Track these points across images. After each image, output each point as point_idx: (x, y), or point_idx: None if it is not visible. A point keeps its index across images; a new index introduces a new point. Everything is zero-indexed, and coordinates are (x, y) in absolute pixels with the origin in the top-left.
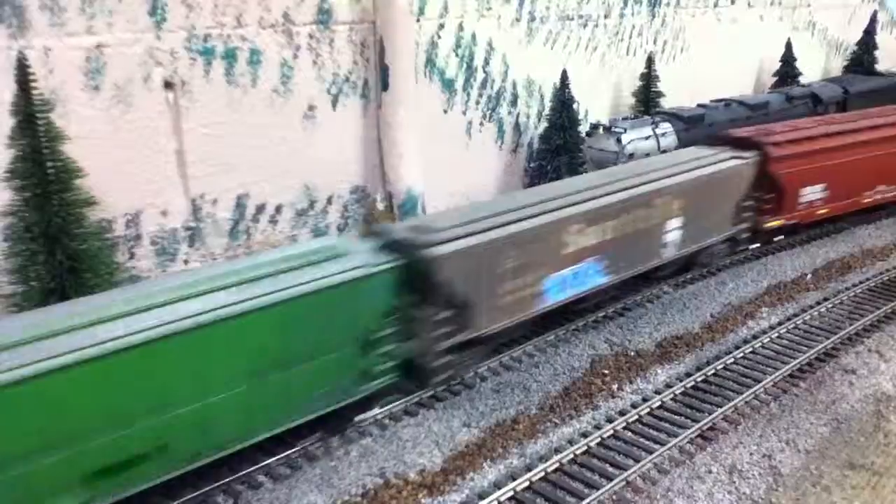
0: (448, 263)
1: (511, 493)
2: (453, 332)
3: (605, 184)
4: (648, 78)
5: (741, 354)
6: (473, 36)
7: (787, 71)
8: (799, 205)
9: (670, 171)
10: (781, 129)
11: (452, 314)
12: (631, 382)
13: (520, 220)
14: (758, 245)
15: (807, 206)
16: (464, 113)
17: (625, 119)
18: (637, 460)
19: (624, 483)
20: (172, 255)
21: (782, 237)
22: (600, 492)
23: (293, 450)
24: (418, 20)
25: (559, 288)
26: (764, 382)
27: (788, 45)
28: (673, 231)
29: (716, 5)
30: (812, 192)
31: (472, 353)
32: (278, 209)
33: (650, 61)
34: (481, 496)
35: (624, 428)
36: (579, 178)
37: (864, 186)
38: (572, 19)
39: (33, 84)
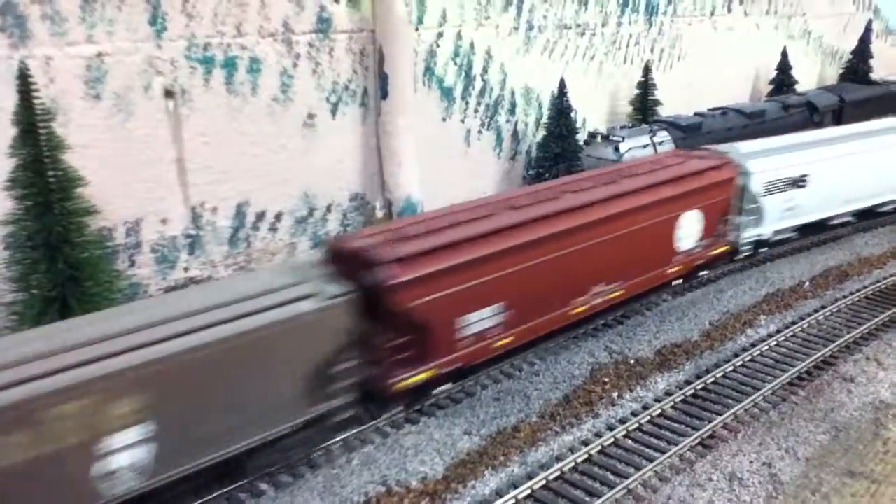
0: None
1: (513, 501)
2: None
3: None
4: (646, 86)
5: (740, 362)
6: (472, 45)
7: (783, 79)
8: (459, 341)
9: (94, 352)
10: (418, 229)
11: None
12: (631, 390)
13: None
14: (401, 409)
15: (474, 339)
16: (462, 121)
17: (623, 127)
18: (638, 468)
19: (625, 491)
20: (172, 263)
21: (450, 385)
22: (601, 500)
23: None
24: (417, 29)
25: None
26: (763, 390)
27: (784, 54)
28: (126, 451)
29: (712, 14)
30: (481, 319)
31: None
32: (278, 217)
33: (647, 70)
34: None
35: (624, 436)
36: None
37: (573, 292)
38: (570, 28)
39: (35, 93)
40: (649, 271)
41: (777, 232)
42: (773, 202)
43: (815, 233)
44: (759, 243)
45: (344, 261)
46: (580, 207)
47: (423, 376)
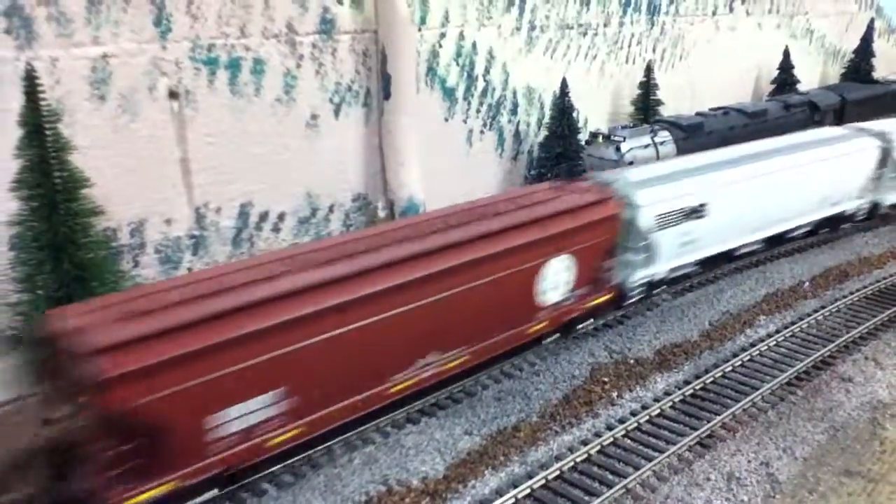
0: None
1: (513, 501)
2: None
3: None
4: (647, 86)
5: (739, 362)
6: (474, 45)
7: (785, 78)
8: (214, 443)
9: None
10: (159, 301)
11: None
12: (630, 390)
13: None
14: None
15: (239, 438)
16: (464, 121)
17: (624, 127)
18: (637, 468)
19: (624, 490)
20: (176, 264)
21: (216, 492)
22: (600, 499)
23: (297, 458)
24: (420, 29)
25: None
26: (762, 390)
27: (786, 53)
28: None
29: (714, 14)
30: (247, 413)
31: None
32: (281, 217)
33: (649, 69)
34: (483, 503)
35: (623, 436)
36: None
37: (392, 366)
38: (572, 28)
39: (41, 95)
40: (503, 332)
41: (673, 269)
42: (667, 237)
43: (721, 264)
44: (652, 284)
45: (47, 347)
46: (401, 262)
47: (157, 492)
